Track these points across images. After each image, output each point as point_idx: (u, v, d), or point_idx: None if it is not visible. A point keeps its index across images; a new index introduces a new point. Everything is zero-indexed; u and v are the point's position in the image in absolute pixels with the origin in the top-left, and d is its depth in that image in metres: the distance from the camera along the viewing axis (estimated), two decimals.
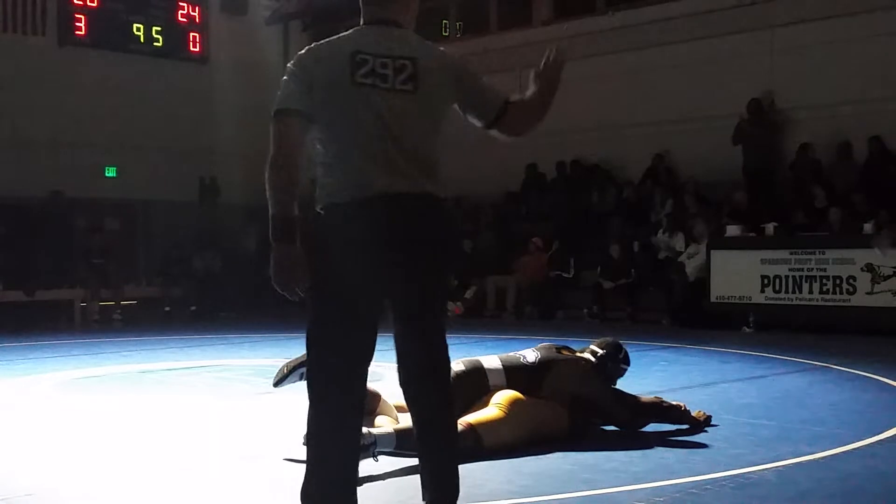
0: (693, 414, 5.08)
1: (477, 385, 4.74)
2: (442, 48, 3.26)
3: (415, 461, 4.28)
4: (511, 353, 4.99)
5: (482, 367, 4.82)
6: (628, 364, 5.16)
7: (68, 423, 5.52)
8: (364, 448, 4.09)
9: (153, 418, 5.67)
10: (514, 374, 4.81)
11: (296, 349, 3.90)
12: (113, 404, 6.25)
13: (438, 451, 3.15)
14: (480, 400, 4.68)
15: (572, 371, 4.89)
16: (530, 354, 4.94)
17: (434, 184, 3.10)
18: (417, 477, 4.16)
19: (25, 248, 14.09)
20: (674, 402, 5.08)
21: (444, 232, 3.13)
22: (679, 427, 5.02)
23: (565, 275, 13.72)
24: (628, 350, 5.22)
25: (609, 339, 5.25)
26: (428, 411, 3.14)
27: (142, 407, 6.10)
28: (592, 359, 5.01)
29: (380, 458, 4.14)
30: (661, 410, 5.00)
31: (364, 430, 4.16)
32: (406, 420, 4.66)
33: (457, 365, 4.82)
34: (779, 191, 12.81)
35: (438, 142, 3.15)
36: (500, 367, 4.83)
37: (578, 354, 5.05)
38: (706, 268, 11.68)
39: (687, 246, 12.45)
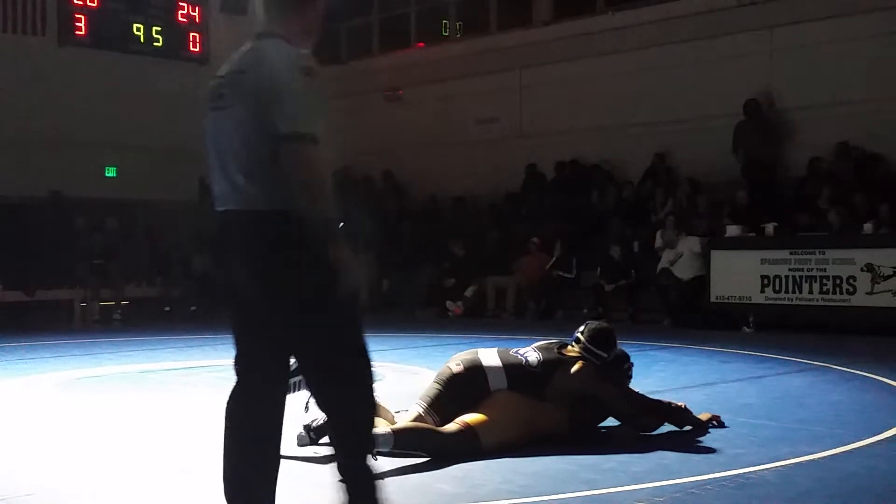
0: (698, 416, 5.07)
1: (477, 387, 4.70)
2: (296, 62, 2.95)
3: (414, 461, 4.30)
4: (510, 352, 4.91)
5: (482, 367, 4.77)
6: (615, 346, 5.08)
7: (68, 423, 5.53)
8: None
9: (153, 418, 5.68)
10: (515, 377, 4.74)
11: None
12: (113, 404, 6.25)
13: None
14: (480, 402, 4.65)
15: (577, 372, 4.83)
16: (531, 355, 4.86)
17: (260, 197, 2.98)
18: (417, 477, 4.17)
19: (25, 248, 14.07)
20: (675, 404, 5.08)
21: (267, 246, 2.97)
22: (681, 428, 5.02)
23: (567, 275, 13.70)
24: (621, 344, 5.19)
25: (592, 323, 5.14)
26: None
27: (142, 407, 6.11)
28: (596, 361, 4.98)
29: (379, 458, 4.13)
30: (669, 411, 5.00)
31: None
32: (401, 421, 4.67)
33: (456, 365, 4.81)
34: (778, 191, 12.79)
35: (267, 152, 2.93)
36: (500, 365, 4.77)
37: (576, 353, 4.96)
38: (695, 266, 11.71)
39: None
